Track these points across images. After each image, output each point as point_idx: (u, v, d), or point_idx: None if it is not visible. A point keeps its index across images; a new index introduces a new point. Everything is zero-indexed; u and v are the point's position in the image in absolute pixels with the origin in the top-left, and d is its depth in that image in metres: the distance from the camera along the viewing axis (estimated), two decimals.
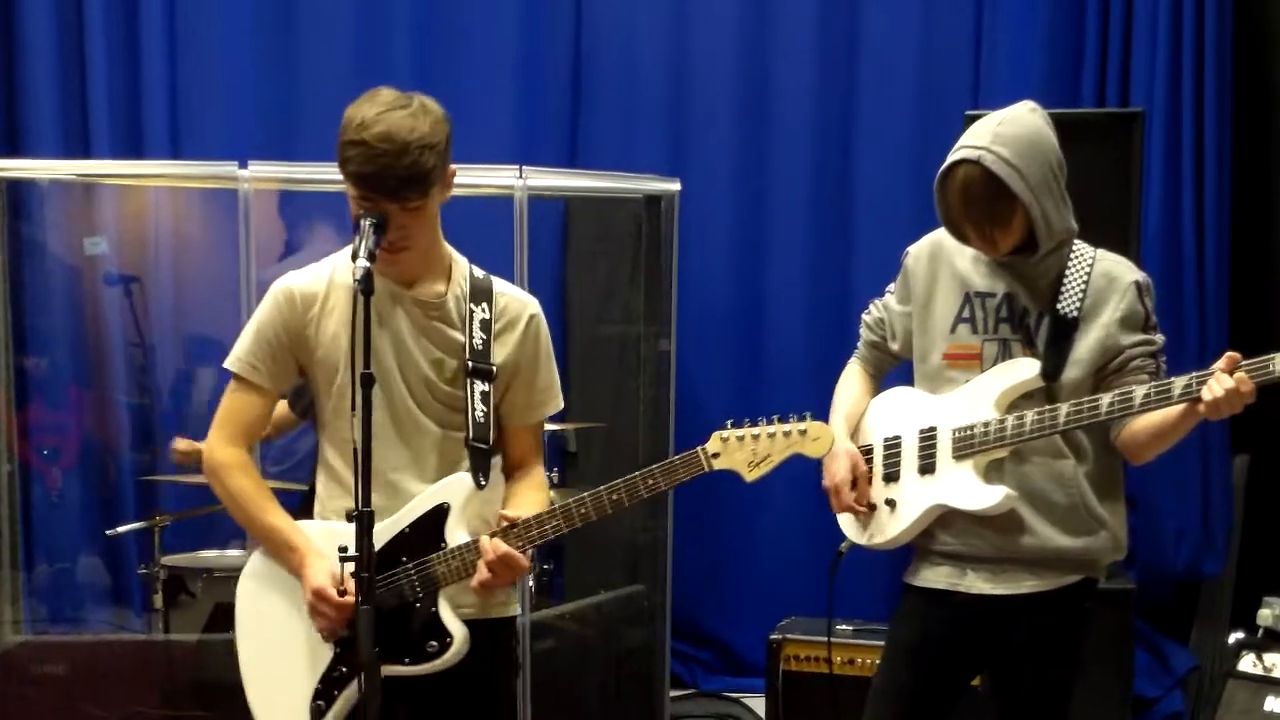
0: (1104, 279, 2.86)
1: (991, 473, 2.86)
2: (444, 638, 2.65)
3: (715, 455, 2.68)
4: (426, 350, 2.71)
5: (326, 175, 4.10)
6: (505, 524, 2.66)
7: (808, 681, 4.41)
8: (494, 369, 2.75)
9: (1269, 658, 4.14)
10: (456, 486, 2.70)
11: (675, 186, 5.10)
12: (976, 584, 2.89)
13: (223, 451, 2.75)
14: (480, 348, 2.73)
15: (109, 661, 4.45)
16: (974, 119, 2.88)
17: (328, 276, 2.75)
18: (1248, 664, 4.17)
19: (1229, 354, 2.61)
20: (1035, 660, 2.91)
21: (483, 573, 2.61)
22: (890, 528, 2.97)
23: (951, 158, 2.80)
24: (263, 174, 4.38)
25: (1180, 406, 2.67)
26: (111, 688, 4.37)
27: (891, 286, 3.13)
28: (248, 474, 2.76)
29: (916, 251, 3.07)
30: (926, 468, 2.91)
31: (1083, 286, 2.85)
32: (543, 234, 5.35)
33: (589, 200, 5.56)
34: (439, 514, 2.68)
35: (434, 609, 2.65)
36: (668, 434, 4.95)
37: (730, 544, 5.69)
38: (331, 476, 2.77)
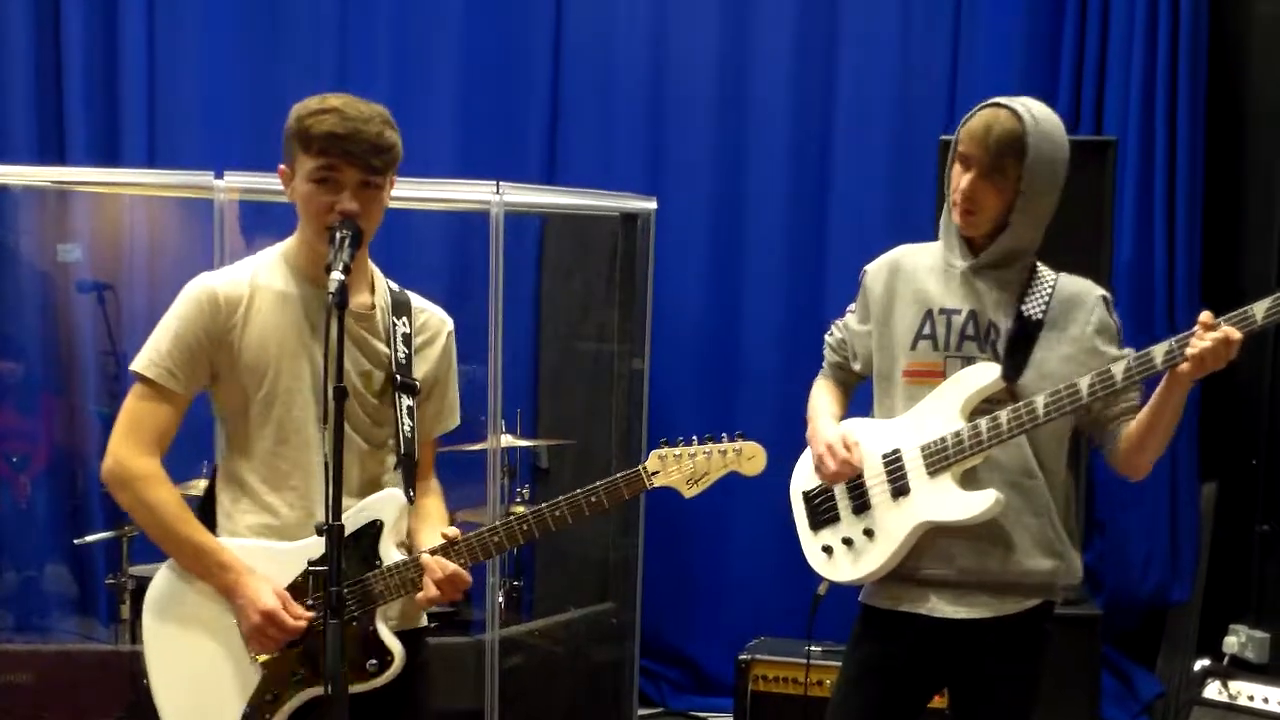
0: (1068, 292, 2.85)
1: (968, 485, 2.79)
2: (384, 655, 2.61)
3: (655, 473, 2.67)
4: (356, 362, 2.65)
5: None
6: (445, 541, 2.64)
7: (776, 701, 4.42)
8: (418, 383, 2.74)
9: (1234, 685, 4.16)
10: (388, 503, 2.66)
11: (652, 205, 5.12)
12: (939, 607, 2.84)
13: (137, 462, 2.59)
14: (404, 362, 2.71)
15: (75, 671, 4.41)
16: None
17: (249, 280, 2.64)
18: (1213, 691, 4.18)
19: (1205, 313, 2.58)
20: (997, 684, 2.88)
21: (430, 590, 2.59)
22: (872, 558, 2.88)
23: (993, 100, 2.78)
24: (238, 184, 4.37)
25: (1161, 389, 2.65)
26: (77, 698, 4.34)
27: (852, 306, 3.10)
28: (165, 486, 2.62)
29: (874, 270, 3.02)
30: (899, 490, 2.85)
31: (1046, 297, 2.83)
32: (519, 250, 5.36)
33: (565, 217, 5.57)
34: (372, 531, 2.63)
35: (371, 627, 2.61)
36: (640, 451, 4.94)
37: (700, 563, 5.68)
38: (243, 491, 2.66)
